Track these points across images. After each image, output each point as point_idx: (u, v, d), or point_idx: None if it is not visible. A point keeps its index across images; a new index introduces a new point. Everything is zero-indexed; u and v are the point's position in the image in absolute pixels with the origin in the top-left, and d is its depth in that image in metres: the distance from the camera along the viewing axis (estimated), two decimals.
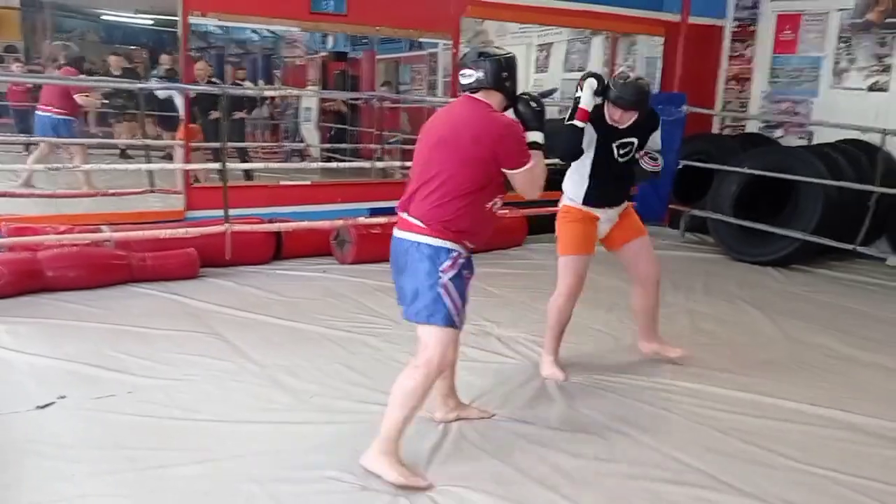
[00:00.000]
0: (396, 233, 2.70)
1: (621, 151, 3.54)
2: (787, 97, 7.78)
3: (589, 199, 3.59)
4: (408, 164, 7.12)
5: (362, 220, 5.75)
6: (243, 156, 8.03)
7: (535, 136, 2.70)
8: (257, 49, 9.64)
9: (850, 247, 6.05)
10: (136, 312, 4.35)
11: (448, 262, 2.59)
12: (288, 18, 6.13)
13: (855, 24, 7.16)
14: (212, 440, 2.90)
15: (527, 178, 2.65)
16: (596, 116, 3.44)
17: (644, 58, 8.56)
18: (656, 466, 2.83)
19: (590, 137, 3.47)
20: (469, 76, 2.69)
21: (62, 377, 3.40)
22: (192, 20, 5.59)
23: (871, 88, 7.09)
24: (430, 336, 2.61)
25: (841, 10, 7.26)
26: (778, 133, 7.85)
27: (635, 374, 3.72)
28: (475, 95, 2.69)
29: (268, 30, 8.61)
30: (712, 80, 8.26)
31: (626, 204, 3.69)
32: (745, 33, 8.10)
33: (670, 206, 7.35)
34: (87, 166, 6.23)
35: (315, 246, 5.78)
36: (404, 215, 2.68)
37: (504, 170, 2.64)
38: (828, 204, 6.18)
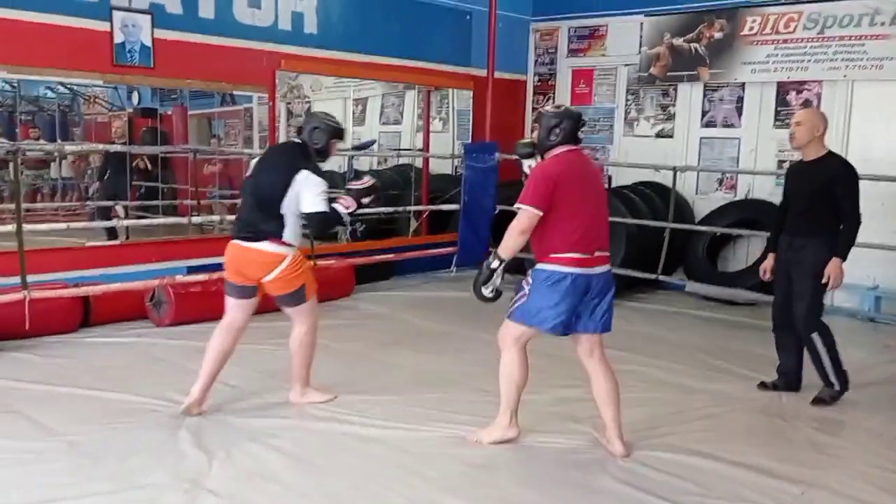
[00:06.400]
0: None
1: None
2: (586, 145, 8.37)
3: None
4: (228, 217, 6.92)
5: (180, 278, 5.48)
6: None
7: None
8: (54, 106, 9.02)
9: (652, 276, 6.56)
10: None
11: None
12: (88, 71, 5.76)
13: (641, 77, 7.89)
14: None
15: None
16: None
17: (456, 110, 8.92)
18: None
19: None
20: None
21: None
22: None
23: (659, 135, 7.81)
24: None
25: (627, 65, 7.99)
26: None
27: None
28: None
29: (63, 85, 8.09)
30: (520, 130, 8.73)
31: None
32: (545, 87, 8.68)
33: (489, 248, 7.61)
34: None
35: (129, 309, 5.42)
36: None
37: None
38: (630, 240, 6.69)
